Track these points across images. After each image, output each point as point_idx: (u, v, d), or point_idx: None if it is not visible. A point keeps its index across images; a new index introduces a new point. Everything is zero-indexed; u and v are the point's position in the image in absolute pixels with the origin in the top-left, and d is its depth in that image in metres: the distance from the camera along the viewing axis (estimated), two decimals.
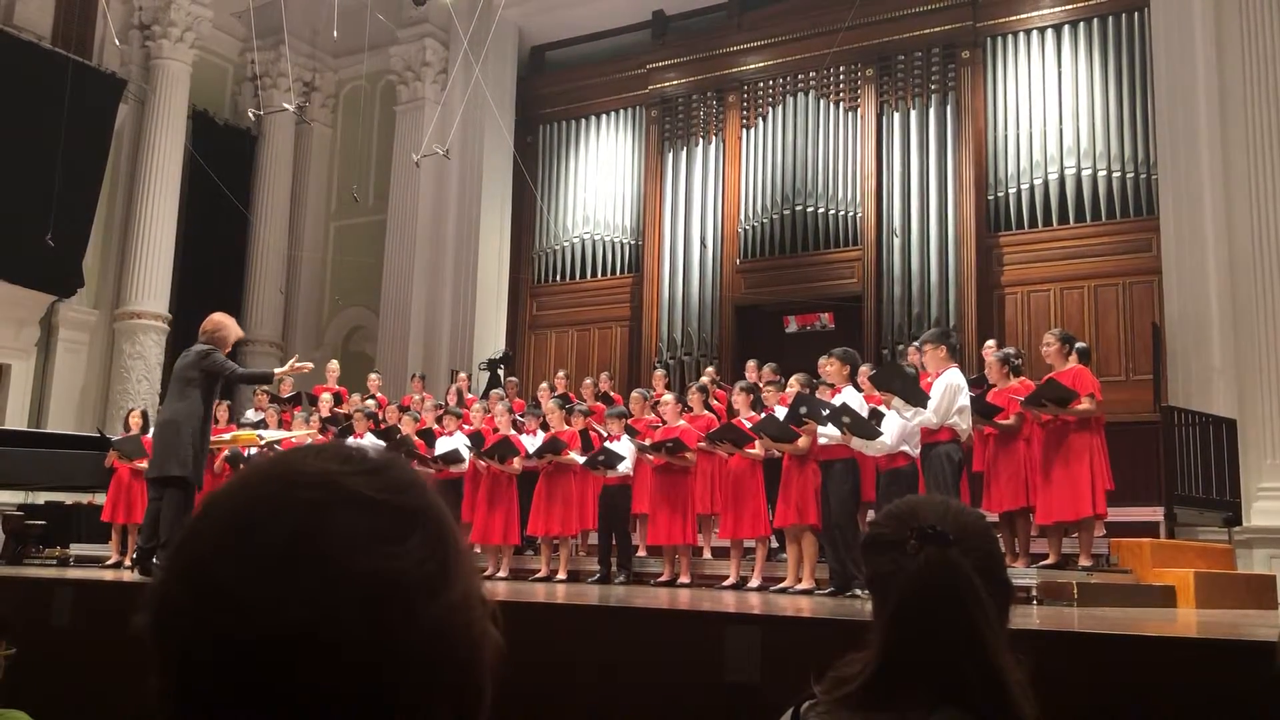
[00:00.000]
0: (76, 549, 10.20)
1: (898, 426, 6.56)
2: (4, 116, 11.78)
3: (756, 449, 7.43)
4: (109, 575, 7.57)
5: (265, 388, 10.41)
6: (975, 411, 6.70)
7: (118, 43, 12.76)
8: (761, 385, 8.33)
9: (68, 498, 11.45)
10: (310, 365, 7.62)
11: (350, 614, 0.61)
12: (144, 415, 9.76)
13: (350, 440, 9.38)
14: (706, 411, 8.57)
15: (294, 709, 0.60)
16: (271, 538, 0.63)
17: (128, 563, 8.87)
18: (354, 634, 0.61)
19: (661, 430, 8.12)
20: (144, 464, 8.70)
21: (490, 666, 0.68)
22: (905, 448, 6.55)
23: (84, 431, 12.08)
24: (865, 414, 6.75)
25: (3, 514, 10.76)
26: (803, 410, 6.94)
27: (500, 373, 12.54)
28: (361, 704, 0.61)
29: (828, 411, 6.72)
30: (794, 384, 7.43)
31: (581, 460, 8.35)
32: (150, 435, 8.57)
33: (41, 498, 11.50)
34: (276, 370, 7.45)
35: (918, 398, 6.39)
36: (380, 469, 0.68)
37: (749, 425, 7.54)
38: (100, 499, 9.96)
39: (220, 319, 6.71)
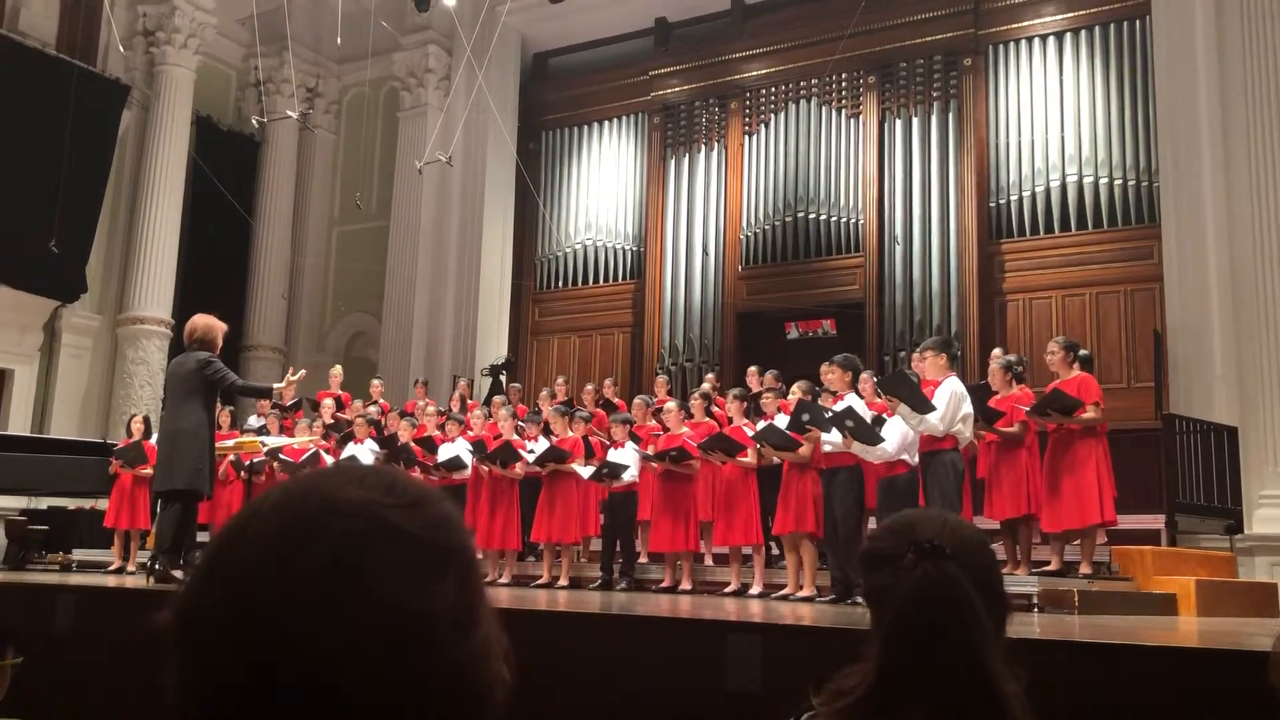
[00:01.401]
0: (79, 554, 10.19)
1: (899, 434, 6.54)
2: (8, 122, 11.73)
3: (749, 457, 7.41)
4: (111, 581, 7.54)
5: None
6: (979, 416, 6.68)
7: (122, 49, 12.67)
8: (763, 392, 8.33)
9: (70, 503, 11.40)
10: (305, 372, 7.57)
11: (380, 649, 0.62)
12: (145, 421, 9.72)
13: (350, 446, 9.38)
14: (708, 419, 8.54)
15: None
16: (311, 566, 0.63)
17: (130, 569, 8.90)
18: (382, 669, 0.62)
19: (664, 438, 8.10)
20: (146, 470, 8.80)
21: (498, 707, 0.69)
22: (904, 455, 6.54)
23: (87, 437, 12.02)
24: (868, 420, 6.74)
25: (5, 519, 10.83)
26: (805, 417, 6.93)
27: (503, 379, 12.52)
28: None
29: (830, 415, 6.72)
30: (797, 391, 7.42)
31: (586, 474, 8.34)
32: (153, 442, 8.59)
33: (44, 503, 11.47)
34: (275, 385, 7.40)
35: (923, 405, 6.39)
36: (420, 502, 0.68)
37: (747, 433, 7.51)
38: (103, 505, 9.90)
39: (206, 322, 6.66)
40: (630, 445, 8.24)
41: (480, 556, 0.86)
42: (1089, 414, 6.53)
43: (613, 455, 8.26)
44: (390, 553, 0.64)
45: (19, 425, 12.38)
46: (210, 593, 0.65)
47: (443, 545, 0.67)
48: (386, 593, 0.63)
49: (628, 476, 8.09)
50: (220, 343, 6.69)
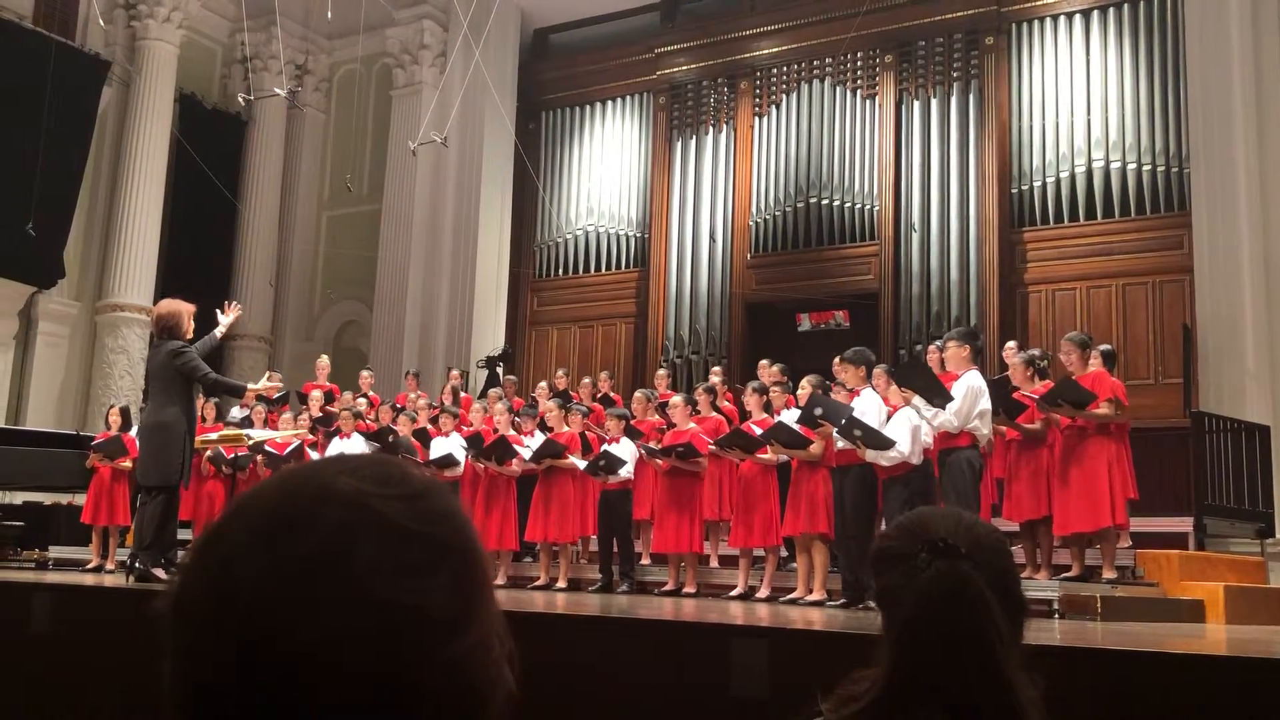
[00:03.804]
0: (55, 551, 10.08)
1: (909, 432, 6.39)
2: None
3: (769, 454, 7.29)
4: (89, 580, 7.48)
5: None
6: (1001, 409, 6.59)
7: (102, 23, 12.56)
8: (768, 387, 8.09)
9: (46, 498, 11.27)
10: (281, 385, 7.60)
11: (363, 643, 0.62)
12: (123, 412, 9.64)
13: (336, 441, 9.15)
14: (714, 413, 8.40)
15: None
16: (296, 553, 0.64)
17: (110, 567, 8.81)
18: (363, 664, 0.62)
19: (671, 434, 7.92)
20: (125, 463, 8.87)
21: (499, 711, 0.67)
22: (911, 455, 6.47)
23: (64, 429, 12.05)
24: (880, 419, 6.58)
25: None
26: (818, 412, 6.79)
27: (499, 371, 12.32)
28: None
29: (843, 423, 6.56)
30: (806, 386, 7.30)
31: (583, 465, 8.18)
32: (133, 434, 8.59)
33: (19, 498, 11.36)
34: (250, 387, 7.33)
35: (940, 396, 6.27)
36: (418, 495, 0.68)
37: (760, 429, 7.38)
38: (80, 500, 9.79)
39: (170, 307, 6.54)
40: (626, 440, 8.08)
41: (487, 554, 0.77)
42: (1101, 409, 6.40)
43: (610, 450, 8.11)
44: (379, 546, 0.64)
45: None
46: (197, 579, 0.65)
47: (438, 540, 0.67)
48: (372, 587, 0.63)
49: (624, 472, 7.94)
50: (189, 325, 6.52)
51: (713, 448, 7.58)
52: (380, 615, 0.62)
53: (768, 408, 7.70)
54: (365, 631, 0.62)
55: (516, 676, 0.70)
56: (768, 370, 8.98)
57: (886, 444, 6.34)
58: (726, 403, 9.06)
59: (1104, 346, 7.22)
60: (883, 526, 6.46)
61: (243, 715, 0.62)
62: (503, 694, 0.68)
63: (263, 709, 0.61)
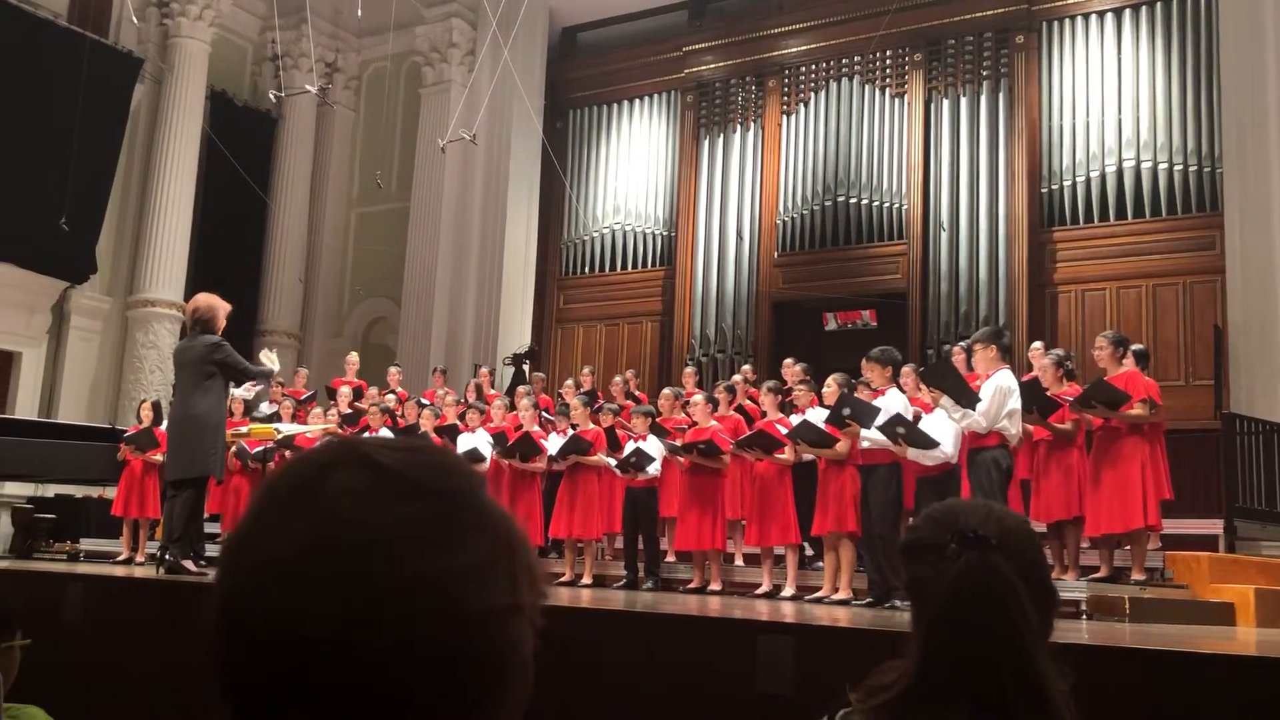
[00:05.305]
0: (87, 544, 10.16)
1: (953, 433, 6.32)
2: (18, 95, 11.62)
3: (786, 454, 7.23)
4: (120, 571, 7.50)
5: (279, 380, 10.27)
6: (1035, 408, 6.54)
7: (135, 20, 12.57)
8: (792, 387, 8.07)
9: (78, 490, 11.33)
10: (275, 363, 7.60)
11: (326, 560, 0.62)
12: (155, 406, 9.65)
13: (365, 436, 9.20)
14: (734, 412, 8.37)
15: (313, 701, 0.61)
16: (278, 486, 0.65)
17: (140, 559, 8.83)
18: (326, 579, 0.61)
19: (692, 431, 7.88)
20: (156, 456, 8.83)
21: (514, 634, 0.66)
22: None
23: (95, 422, 12.02)
24: (910, 418, 6.52)
25: (12, 507, 10.92)
26: (846, 411, 6.71)
27: (525, 368, 12.33)
28: (381, 701, 0.61)
29: (882, 421, 6.48)
30: (832, 384, 7.23)
31: (614, 463, 8.13)
32: (164, 428, 8.49)
33: (51, 490, 11.39)
34: (274, 368, 7.27)
35: (968, 398, 6.20)
36: (414, 448, 0.68)
37: (780, 429, 7.33)
38: (111, 492, 9.82)
39: (208, 301, 6.51)
40: (654, 438, 8.05)
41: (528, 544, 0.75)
42: (1136, 410, 6.35)
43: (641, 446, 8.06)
44: (353, 473, 0.64)
45: (26, 409, 12.29)
46: (221, 562, 0.66)
47: (416, 480, 0.66)
48: (337, 507, 0.63)
49: (652, 470, 7.91)
50: (223, 323, 6.52)
51: (733, 447, 7.52)
52: (403, 590, 0.61)
53: (783, 407, 7.66)
54: (327, 546, 0.61)
55: (539, 637, 0.68)
56: (791, 369, 8.93)
57: (931, 444, 6.28)
58: (751, 401, 8.99)
59: (1137, 346, 7.13)
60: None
61: (259, 694, 0.62)
62: (514, 619, 0.66)
63: (276, 688, 0.61)
